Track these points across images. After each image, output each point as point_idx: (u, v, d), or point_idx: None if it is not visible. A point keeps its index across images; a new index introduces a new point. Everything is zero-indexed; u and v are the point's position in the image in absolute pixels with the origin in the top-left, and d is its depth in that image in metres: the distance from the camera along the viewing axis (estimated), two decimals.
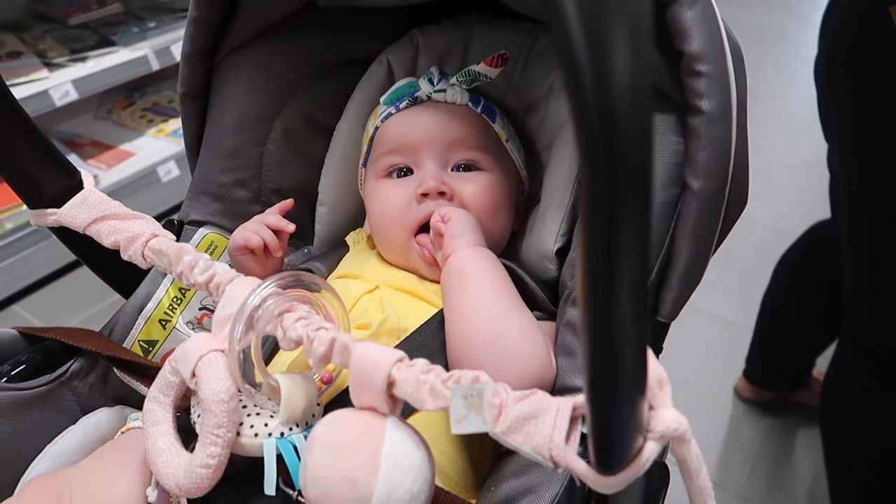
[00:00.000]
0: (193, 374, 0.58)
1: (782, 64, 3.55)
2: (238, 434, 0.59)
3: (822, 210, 1.45)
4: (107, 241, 0.71)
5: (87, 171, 2.62)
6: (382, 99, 0.86)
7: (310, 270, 0.85)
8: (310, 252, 0.94)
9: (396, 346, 0.72)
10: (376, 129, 0.86)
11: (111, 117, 2.72)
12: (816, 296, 1.52)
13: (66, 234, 0.77)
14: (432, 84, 0.84)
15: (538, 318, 0.75)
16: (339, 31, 0.91)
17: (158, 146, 2.56)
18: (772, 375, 1.77)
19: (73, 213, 0.74)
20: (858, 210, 1.16)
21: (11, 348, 0.78)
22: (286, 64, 0.89)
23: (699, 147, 0.59)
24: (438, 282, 0.78)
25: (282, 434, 0.59)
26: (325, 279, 0.85)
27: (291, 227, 0.82)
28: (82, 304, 2.13)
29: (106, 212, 0.73)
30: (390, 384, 0.53)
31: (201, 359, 0.58)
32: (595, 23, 0.29)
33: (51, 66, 2.28)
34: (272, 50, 0.87)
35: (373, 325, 0.72)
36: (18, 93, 2.14)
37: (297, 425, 0.60)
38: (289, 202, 0.85)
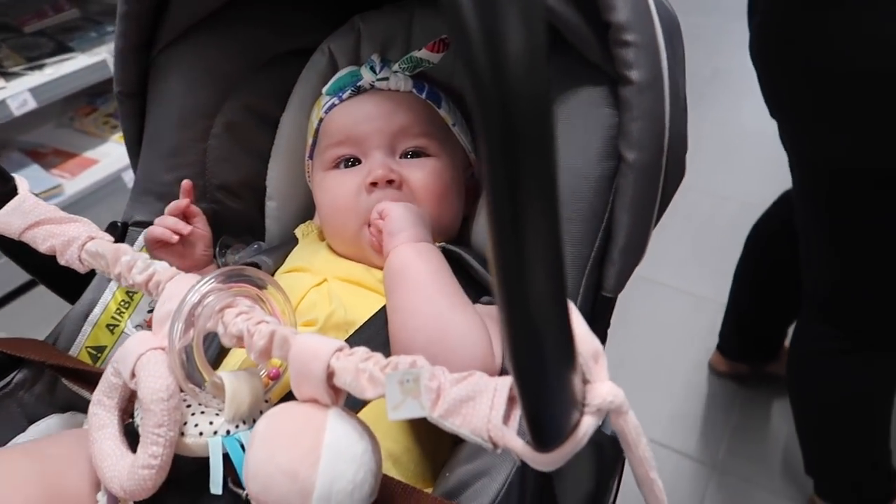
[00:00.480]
0: (133, 375, 0.57)
1: None
2: (182, 434, 0.58)
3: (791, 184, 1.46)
4: (42, 247, 0.69)
5: (50, 180, 2.53)
6: (325, 90, 0.85)
7: (257, 265, 0.83)
8: (260, 247, 0.92)
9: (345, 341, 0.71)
10: (321, 120, 0.85)
11: (74, 125, 2.67)
12: (785, 262, 1.53)
13: (2, 243, 0.75)
14: (374, 72, 0.83)
15: (488, 303, 0.74)
16: (278, 22, 0.89)
17: (122, 152, 2.45)
18: (744, 347, 1.79)
19: (6, 220, 0.72)
20: (805, 173, 1.18)
21: None
22: (224, 57, 0.87)
23: (632, 118, 0.58)
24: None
25: (228, 432, 0.58)
26: (273, 274, 0.84)
27: (184, 203, 0.81)
28: (51, 318, 2.09)
29: (41, 216, 0.71)
30: (330, 374, 0.52)
31: (140, 358, 0.56)
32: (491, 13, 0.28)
33: (7, 75, 2.23)
34: (209, 43, 0.85)
35: (319, 320, 0.71)
36: None
37: (244, 422, 0.59)
38: (186, 184, 0.83)
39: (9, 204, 0.73)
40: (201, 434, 0.58)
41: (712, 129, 2.88)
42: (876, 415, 1.32)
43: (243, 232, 0.93)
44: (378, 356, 0.53)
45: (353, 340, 0.70)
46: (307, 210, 0.95)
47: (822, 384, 1.32)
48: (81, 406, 0.77)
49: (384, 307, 0.72)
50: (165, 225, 0.79)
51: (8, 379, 0.74)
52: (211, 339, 0.69)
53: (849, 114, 1.00)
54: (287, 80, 0.92)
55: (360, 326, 0.71)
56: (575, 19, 0.59)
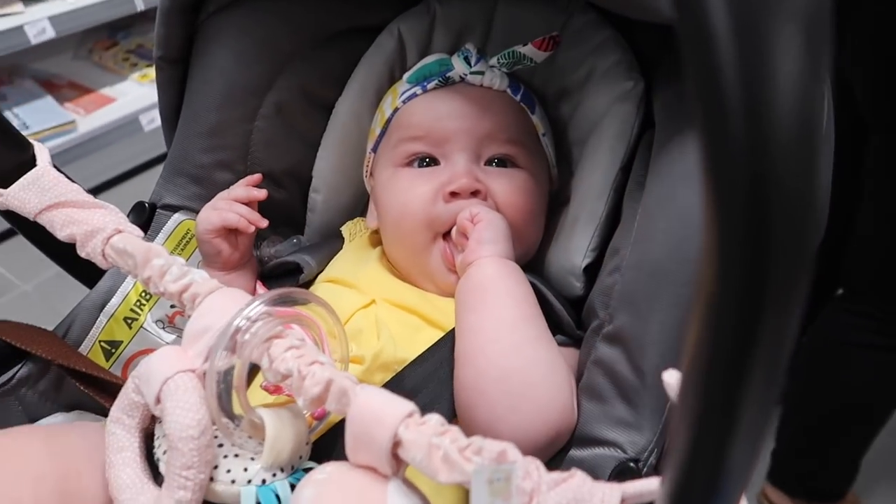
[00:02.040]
0: (158, 400, 0.49)
1: None
2: (212, 479, 0.50)
3: None
4: (61, 234, 0.60)
5: (63, 114, 2.43)
6: (406, 76, 0.75)
7: (298, 265, 0.75)
8: (300, 242, 0.83)
9: (396, 376, 0.62)
10: (396, 109, 0.75)
11: (92, 58, 2.56)
12: None
13: (15, 218, 0.65)
14: (469, 64, 0.72)
15: (560, 343, 0.66)
16: None
17: (142, 92, 2.41)
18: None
19: (21, 197, 0.63)
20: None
21: None
22: (282, 28, 0.76)
23: None
24: (449, 296, 0.68)
25: (263, 481, 0.51)
26: (316, 276, 0.76)
27: (262, 194, 0.73)
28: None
29: (61, 197, 0.62)
30: (396, 444, 0.44)
31: (167, 382, 0.48)
32: (750, 19, 0.21)
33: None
34: (266, 11, 0.75)
35: (366, 358, 0.62)
36: None
37: (282, 470, 0.52)
38: (257, 176, 0.75)
39: (26, 176, 0.64)
40: (233, 482, 0.50)
41: None
42: (886, 415, 1.31)
43: (281, 223, 0.83)
44: (454, 430, 0.44)
45: (407, 375, 0.62)
46: (355, 206, 0.85)
47: (856, 378, 1.28)
48: (89, 405, 0.69)
49: (443, 342, 0.64)
50: (241, 213, 0.70)
51: (10, 374, 0.66)
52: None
53: None
54: (348, 61, 0.81)
55: (417, 358, 0.63)
56: None
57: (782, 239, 0.22)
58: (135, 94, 2.40)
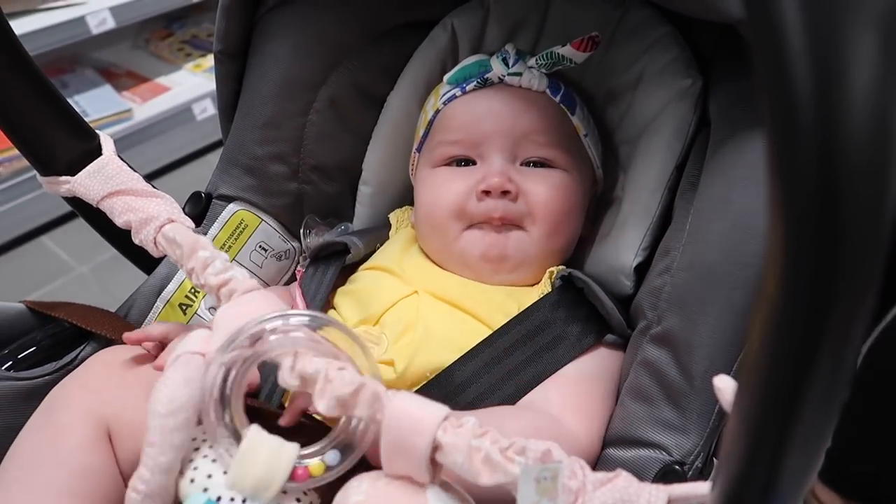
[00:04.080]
0: None
1: None
2: (181, 472, 0.48)
3: None
4: (119, 220, 0.63)
5: (120, 102, 2.49)
6: (446, 78, 0.75)
7: (346, 245, 0.76)
8: (346, 229, 0.85)
9: (446, 371, 0.63)
10: (437, 111, 0.75)
11: (149, 47, 2.62)
12: None
13: (79, 203, 0.68)
14: (507, 65, 0.72)
15: (611, 343, 0.66)
16: None
17: (195, 82, 2.46)
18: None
19: (87, 184, 0.65)
20: None
21: (18, 326, 0.71)
22: (338, 23, 0.77)
23: None
24: (485, 281, 0.70)
25: (219, 498, 0.47)
26: (362, 257, 0.76)
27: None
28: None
29: (122, 185, 0.64)
30: (434, 448, 0.43)
31: (177, 358, 0.48)
32: (825, 24, 0.20)
33: None
34: (322, 7, 0.76)
35: (398, 366, 0.63)
36: (54, 17, 2.05)
37: (244, 501, 0.46)
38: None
39: (92, 164, 0.67)
40: (192, 481, 0.48)
41: None
42: None
43: (330, 215, 0.85)
44: (493, 432, 0.44)
45: (458, 370, 0.62)
46: (403, 200, 0.86)
47: None
48: None
49: (493, 335, 0.64)
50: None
51: (74, 354, 0.68)
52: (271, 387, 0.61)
53: None
54: (401, 56, 0.82)
55: (467, 354, 0.63)
56: None
57: (851, 250, 0.22)
58: (188, 84, 2.46)
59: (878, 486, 1.43)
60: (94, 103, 2.24)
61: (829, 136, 0.21)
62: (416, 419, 0.43)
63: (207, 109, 2.42)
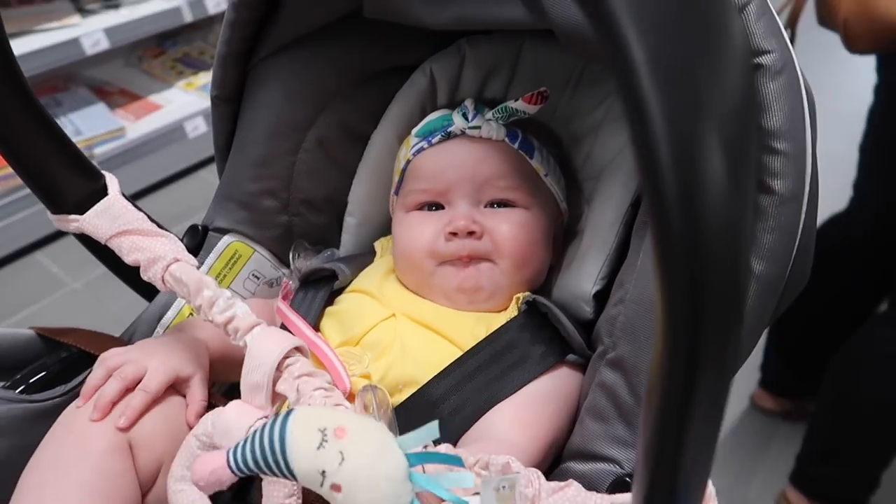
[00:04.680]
0: None
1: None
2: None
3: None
4: (128, 259, 0.69)
5: (114, 121, 2.55)
6: (414, 131, 0.83)
7: (333, 272, 0.82)
8: (333, 254, 0.91)
9: (422, 389, 0.69)
10: (408, 161, 0.83)
11: (141, 65, 2.68)
12: (839, 281, 1.53)
13: (87, 239, 0.74)
14: (466, 119, 0.80)
15: (572, 362, 0.73)
16: (383, 38, 0.85)
17: (187, 100, 2.52)
18: (790, 379, 1.75)
19: (95, 223, 0.71)
20: None
21: (28, 351, 0.76)
22: (325, 71, 0.84)
23: (766, 229, 0.54)
24: (460, 309, 0.77)
25: None
26: (350, 283, 0.83)
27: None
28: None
29: (129, 225, 0.70)
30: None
31: (251, 430, 0.53)
32: (685, 131, 0.27)
33: (83, 12, 2.23)
34: (311, 55, 0.83)
35: (373, 378, 0.70)
36: (49, 38, 2.10)
37: None
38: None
39: (98, 205, 0.73)
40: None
41: None
42: None
43: (317, 243, 0.91)
44: (461, 452, 0.51)
45: (433, 386, 0.69)
46: (386, 229, 0.93)
47: (886, 390, 1.32)
48: None
49: (465, 355, 0.71)
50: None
51: (82, 377, 0.74)
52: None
53: None
54: (385, 98, 0.89)
55: (441, 372, 0.70)
56: None
57: (712, 320, 0.28)
58: (180, 102, 2.51)
59: (841, 488, 1.52)
60: (87, 121, 2.29)
61: (692, 238, 0.27)
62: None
63: (199, 127, 2.48)
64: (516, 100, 0.77)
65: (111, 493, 0.59)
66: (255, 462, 0.45)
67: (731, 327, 0.29)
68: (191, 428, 0.64)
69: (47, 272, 2.18)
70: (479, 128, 0.79)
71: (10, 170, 2.26)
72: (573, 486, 0.49)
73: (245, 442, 0.46)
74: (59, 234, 2.26)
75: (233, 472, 0.46)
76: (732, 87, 0.29)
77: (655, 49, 0.27)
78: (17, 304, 2.05)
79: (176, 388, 0.68)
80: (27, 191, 2.17)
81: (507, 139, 0.80)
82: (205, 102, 2.49)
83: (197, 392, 0.68)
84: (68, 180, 0.73)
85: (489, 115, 0.80)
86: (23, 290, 2.12)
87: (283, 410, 0.54)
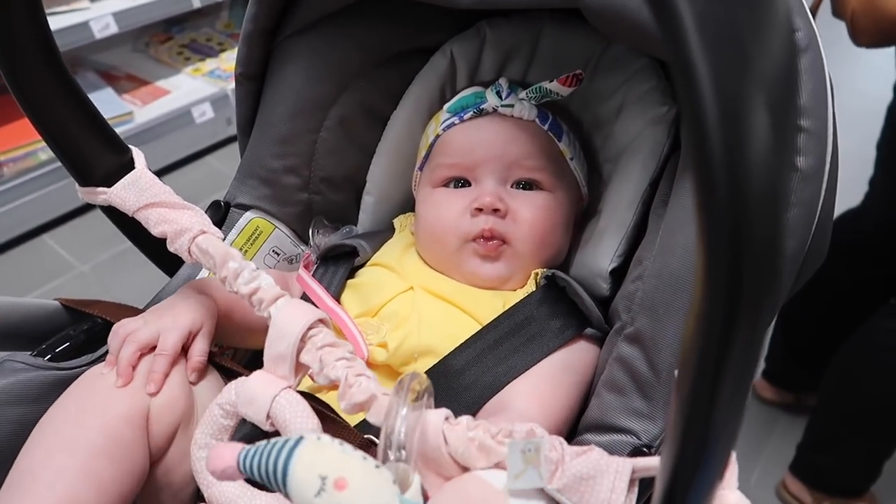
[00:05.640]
0: (268, 416, 0.56)
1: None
2: None
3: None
4: (155, 230, 0.70)
5: (122, 105, 2.54)
6: (446, 107, 0.83)
7: (354, 248, 0.84)
8: (351, 231, 0.92)
9: (444, 359, 0.71)
10: (437, 136, 0.84)
11: (149, 51, 2.68)
12: (844, 276, 1.54)
13: (113, 212, 0.75)
14: (500, 97, 0.81)
15: (590, 336, 0.75)
16: (404, 19, 0.86)
17: (194, 86, 2.52)
18: (795, 373, 1.76)
19: (122, 195, 0.72)
20: None
21: (54, 321, 0.78)
22: (348, 50, 0.85)
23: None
24: (478, 286, 0.78)
25: None
26: (370, 258, 0.84)
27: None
28: (112, 238, 2.13)
29: (156, 198, 0.71)
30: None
31: (275, 399, 0.55)
32: (732, 90, 0.28)
33: None
34: (335, 35, 0.84)
35: (390, 346, 0.72)
36: (58, 22, 2.10)
37: None
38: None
39: (126, 178, 0.74)
40: None
41: None
42: None
43: (336, 220, 0.93)
44: (484, 423, 0.53)
45: (454, 358, 0.71)
46: (402, 208, 0.94)
47: (888, 382, 1.34)
48: None
49: (484, 329, 0.72)
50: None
51: (106, 347, 0.75)
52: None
53: None
54: (405, 78, 0.90)
55: (462, 345, 0.71)
56: None
57: (752, 272, 0.30)
58: (188, 88, 2.51)
59: (842, 478, 1.54)
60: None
61: (736, 193, 0.29)
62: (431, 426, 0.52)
63: (206, 113, 2.48)
64: (551, 80, 0.78)
65: (121, 458, 0.59)
66: (261, 476, 0.45)
67: (769, 280, 0.30)
68: (193, 383, 0.66)
69: (55, 255, 2.19)
70: (511, 106, 0.80)
71: (16, 152, 2.26)
72: (595, 451, 0.51)
73: (256, 452, 0.46)
74: (66, 217, 2.27)
75: (241, 474, 0.46)
76: (777, 49, 0.30)
77: (703, 11, 0.29)
78: (24, 286, 2.06)
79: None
80: (35, 173, 2.18)
81: (537, 120, 0.81)
82: (212, 88, 2.50)
83: (199, 344, 0.67)
84: (97, 153, 0.74)
85: (522, 94, 0.81)
86: (30, 272, 2.12)
87: (302, 384, 0.56)
